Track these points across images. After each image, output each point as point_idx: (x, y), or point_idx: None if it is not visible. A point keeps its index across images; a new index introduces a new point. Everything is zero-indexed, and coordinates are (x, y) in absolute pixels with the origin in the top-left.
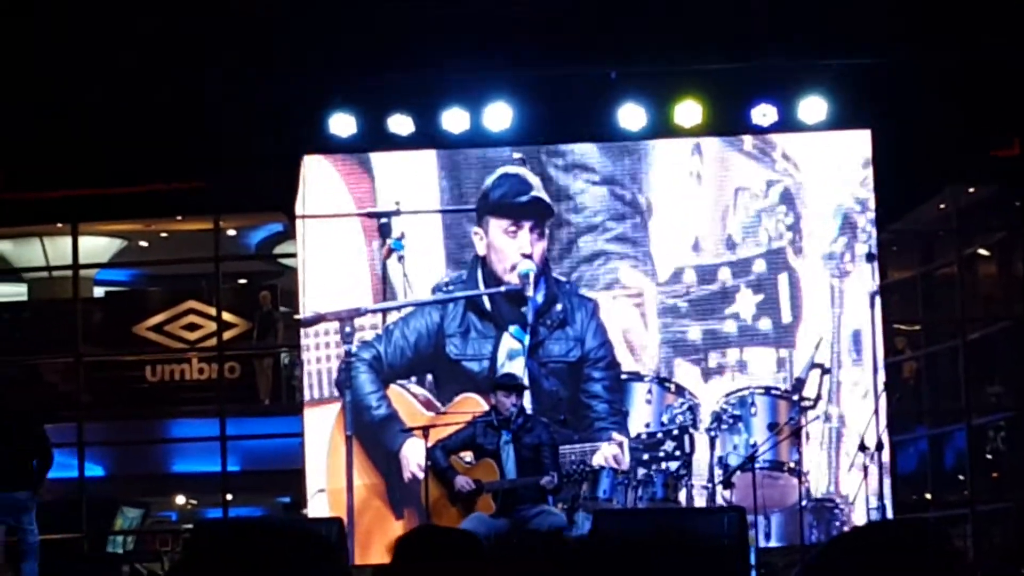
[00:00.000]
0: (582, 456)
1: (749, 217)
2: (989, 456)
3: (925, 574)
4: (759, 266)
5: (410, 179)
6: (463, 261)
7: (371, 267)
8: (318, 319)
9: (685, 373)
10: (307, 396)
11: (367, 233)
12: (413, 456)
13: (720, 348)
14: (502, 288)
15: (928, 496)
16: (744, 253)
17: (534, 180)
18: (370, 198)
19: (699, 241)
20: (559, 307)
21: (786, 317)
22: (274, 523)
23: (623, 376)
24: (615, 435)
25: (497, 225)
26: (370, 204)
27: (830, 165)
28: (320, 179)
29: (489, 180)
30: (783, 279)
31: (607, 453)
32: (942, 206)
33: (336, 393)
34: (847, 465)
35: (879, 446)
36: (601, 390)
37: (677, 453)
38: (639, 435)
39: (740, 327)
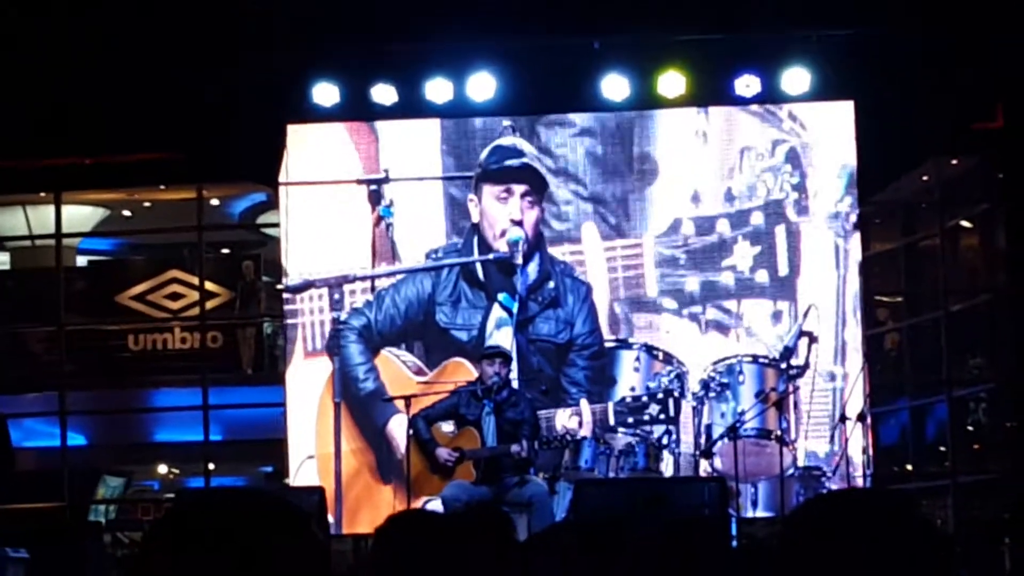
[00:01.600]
0: (549, 422)
1: (755, 176)
2: (970, 428)
3: (893, 543)
4: (757, 218)
5: (412, 147)
6: (462, 230)
7: (364, 234)
8: (307, 285)
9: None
10: (308, 348)
11: (363, 199)
12: (400, 433)
13: (717, 300)
14: (491, 256)
15: (909, 468)
16: (742, 206)
17: (528, 149)
18: (374, 163)
19: (698, 194)
20: (551, 285)
21: (783, 270)
22: (246, 494)
23: (610, 344)
24: (583, 403)
25: (489, 191)
26: (373, 169)
27: (836, 124)
28: (311, 146)
29: (485, 151)
30: (780, 231)
31: (564, 422)
32: (925, 178)
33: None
34: (832, 432)
35: (862, 416)
36: (582, 379)
37: (662, 416)
38: (623, 398)
39: (737, 279)
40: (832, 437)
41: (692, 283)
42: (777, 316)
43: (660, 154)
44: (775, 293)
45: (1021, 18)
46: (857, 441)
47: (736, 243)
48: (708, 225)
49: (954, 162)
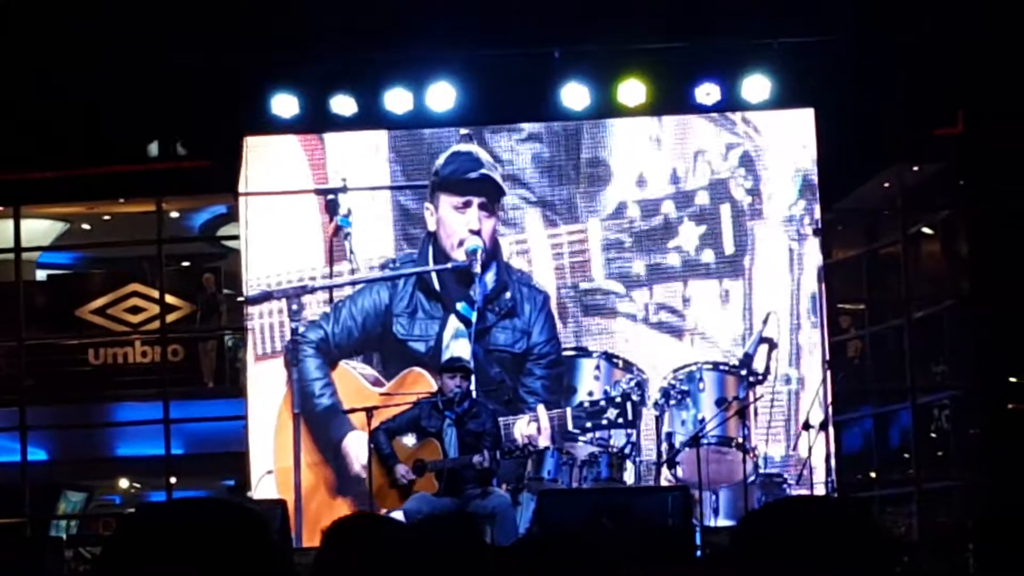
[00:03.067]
0: (507, 431)
1: (708, 180)
2: (934, 435)
3: (842, 547)
4: (702, 198)
5: (360, 158)
6: (413, 240)
7: (321, 244)
8: (265, 296)
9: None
10: (258, 351)
11: (319, 210)
12: (356, 450)
13: (664, 282)
14: (449, 265)
15: (873, 475)
16: (687, 187)
17: (485, 158)
18: (324, 174)
19: (643, 177)
20: (508, 295)
21: (729, 248)
22: (211, 504)
23: (569, 353)
24: (539, 409)
25: (447, 201)
26: (323, 180)
27: (790, 129)
28: (266, 158)
29: (441, 158)
30: (726, 210)
31: (523, 430)
32: (886, 185)
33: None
34: (795, 440)
35: (824, 424)
36: (539, 388)
37: (620, 421)
38: (581, 403)
39: (684, 260)
40: (789, 441)
41: (638, 266)
42: (724, 296)
43: (612, 159)
44: (721, 272)
45: (981, 23)
46: (820, 448)
47: (682, 224)
48: (653, 207)
49: (916, 169)
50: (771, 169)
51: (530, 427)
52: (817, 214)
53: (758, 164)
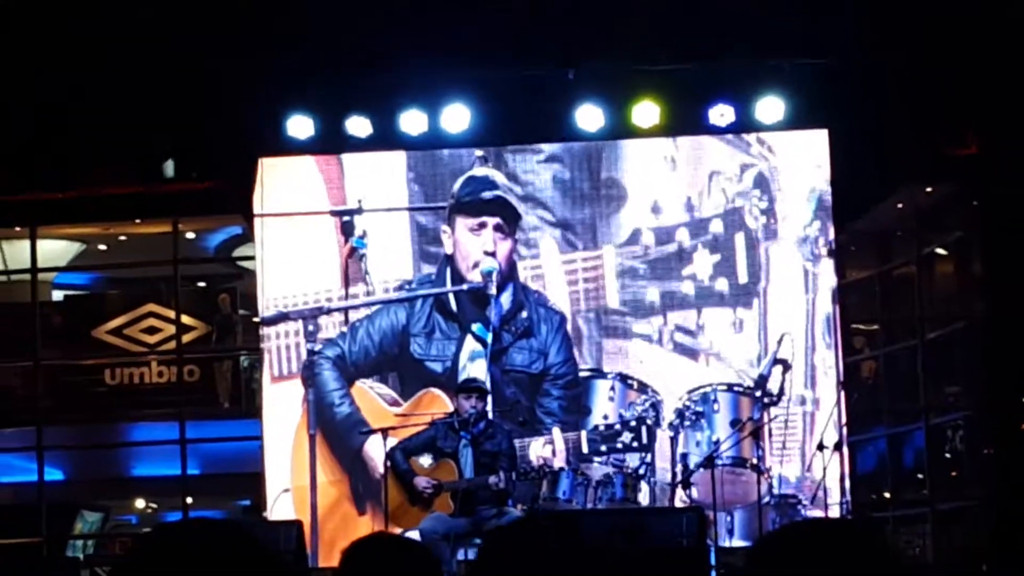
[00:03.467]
0: (522, 452)
1: (724, 201)
2: (948, 455)
3: (859, 571)
4: (716, 226)
5: (380, 179)
6: (431, 261)
7: (337, 265)
8: (281, 317)
9: (653, 357)
10: (274, 372)
11: (335, 231)
12: (377, 455)
13: (678, 310)
14: (464, 286)
15: (887, 495)
16: (701, 215)
17: (501, 180)
18: (342, 196)
19: (658, 204)
20: (524, 315)
21: (742, 277)
22: (226, 527)
23: (584, 374)
24: (555, 431)
25: (463, 223)
26: (341, 202)
27: (804, 149)
28: (285, 179)
29: (458, 182)
30: (740, 239)
31: (538, 451)
32: (900, 206)
33: (300, 370)
34: (810, 460)
35: (839, 444)
36: (556, 408)
37: (635, 445)
38: (596, 427)
39: (698, 288)
40: (804, 462)
41: (652, 293)
42: (738, 325)
43: (628, 180)
44: (735, 301)
45: (993, 45)
46: (834, 469)
47: (696, 251)
48: (667, 235)
49: (929, 190)
50: (785, 190)
51: (545, 449)
52: (831, 235)
53: (772, 185)
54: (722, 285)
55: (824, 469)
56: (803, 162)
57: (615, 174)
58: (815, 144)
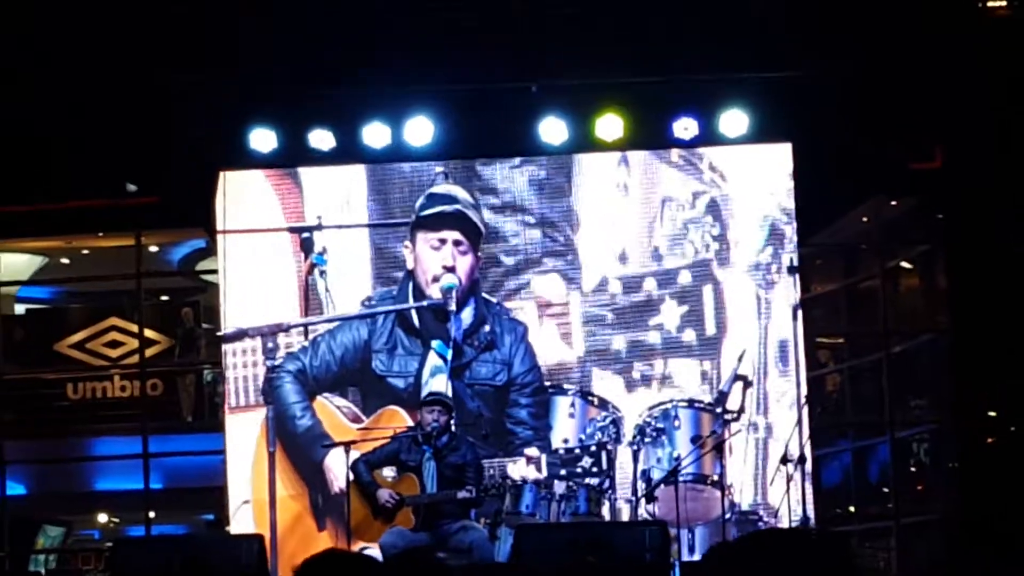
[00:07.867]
0: (502, 470)
1: (676, 228)
2: (913, 469)
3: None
4: (684, 277)
5: (338, 194)
6: (391, 278)
7: (296, 282)
8: (240, 334)
9: (608, 385)
10: (232, 403)
11: (293, 248)
12: (338, 468)
13: (644, 359)
14: (424, 302)
15: (852, 509)
16: (670, 264)
17: (463, 196)
18: (298, 212)
19: (625, 252)
20: (487, 328)
21: (710, 329)
22: (195, 540)
23: (546, 389)
24: (528, 451)
25: (424, 238)
26: (298, 218)
27: (757, 176)
28: (244, 193)
29: (420, 199)
30: (708, 291)
31: (521, 472)
32: (864, 219)
33: (260, 400)
34: (774, 476)
35: (802, 459)
36: (526, 416)
37: (595, 470)
38: (556, 450)
39: (664, 338)
40: (757, 489)
41: (619, 342)
42: (704, 376)
43: (581, 207)
44: (702, 352)
45: (958, 59)
46: (796, 484)
47: (663, 302)
48: (635, 283)
49: (893, 203)
50: (737, 216)
51: (529, 468)
52: (785, 261)
53: (724, 211)
54: (689, 336)
55: (788, 479)
56: (756, 188)
57: (568, 200)
58: (771, 166)
